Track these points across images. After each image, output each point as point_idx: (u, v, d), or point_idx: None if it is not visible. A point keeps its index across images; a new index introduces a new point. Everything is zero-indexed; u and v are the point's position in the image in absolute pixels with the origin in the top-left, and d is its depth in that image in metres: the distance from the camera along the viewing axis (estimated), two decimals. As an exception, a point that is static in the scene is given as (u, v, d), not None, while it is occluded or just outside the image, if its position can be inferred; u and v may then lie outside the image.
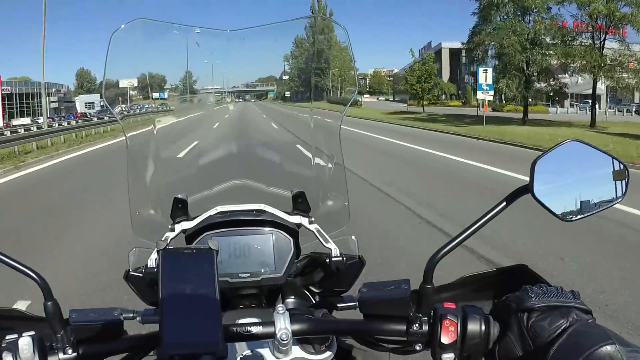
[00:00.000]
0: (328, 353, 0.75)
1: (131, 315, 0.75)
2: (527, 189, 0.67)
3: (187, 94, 1.29)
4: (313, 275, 0.90)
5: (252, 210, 0.85)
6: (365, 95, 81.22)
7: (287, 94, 1.68)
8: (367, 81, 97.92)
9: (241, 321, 0.74)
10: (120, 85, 1.15)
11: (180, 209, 0.87)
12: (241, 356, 0.73)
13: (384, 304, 0.69)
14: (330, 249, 0.85)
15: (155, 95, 1.22)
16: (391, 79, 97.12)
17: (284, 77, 1.51)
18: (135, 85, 1.22)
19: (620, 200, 0.71)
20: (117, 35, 0.87)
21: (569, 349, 0.55)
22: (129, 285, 0.85)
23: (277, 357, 0.72)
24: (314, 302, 0.88)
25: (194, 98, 1.34)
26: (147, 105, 1.21)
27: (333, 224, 0.92)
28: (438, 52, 67.72)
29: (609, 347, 0.53)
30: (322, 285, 0.89)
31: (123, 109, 1.20)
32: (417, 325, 0.68)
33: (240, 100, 1.65)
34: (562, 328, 0.58)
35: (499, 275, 0.76)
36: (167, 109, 1.24)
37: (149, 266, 0.81)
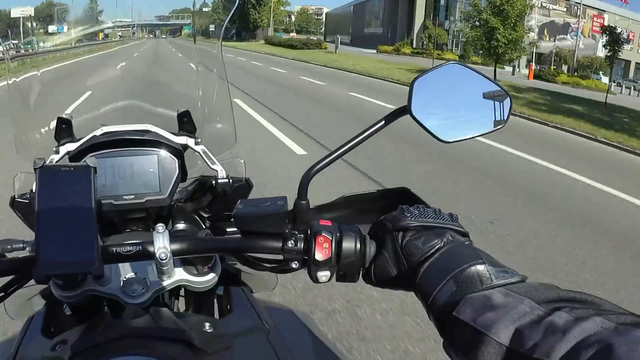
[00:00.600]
0: (211, 275, 0.74)
1: (21, 245, 0.72)
2: (406, 109, 0.67)
3: (90, 29, 1.19)
4: (202, 199, 0.88)
5: (137, 131, 0.82)
6: (292, 34, 76.89)
7: (212, 27, 1.50)
8: (293, 19, 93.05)
9: (120, 242, 0.73)
10: (12, 15, 1.05)
11: (64, 130, 0.83)
12: (124, 279, 0.72)
13: (260, 220, 0.67)
14: (217, 171, 0.84)
15: (53, 28, 1.11)
16: (320, 17, 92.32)
17: (204, 9, 1.41)
18: (32, 15, 1.11)
19: (500, 127, 0.72)
20: None
21: (439, 267, 0.56)
22: (16, 212, 0.81)
23: (159, 280, 0.71)
24: (204, 227, 0.87)
25: (97, 33, 1.24)
26: (42, 44, 1.11)
27: (220, 146, 0.90)
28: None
29: (479, 267, 0.53)
30: (211, 210, 0.88)
31: (13, 45, 1.10)
32: (292, 242, 0.67)
33: (151, 36, 1.55)
34: (435, 248, 0.59)
35: (380, 196, 0.76)
36: (64, 48, 1.14)
37: (34, 191, 0.78)
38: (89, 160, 0.63)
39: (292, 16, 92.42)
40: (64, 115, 0.83)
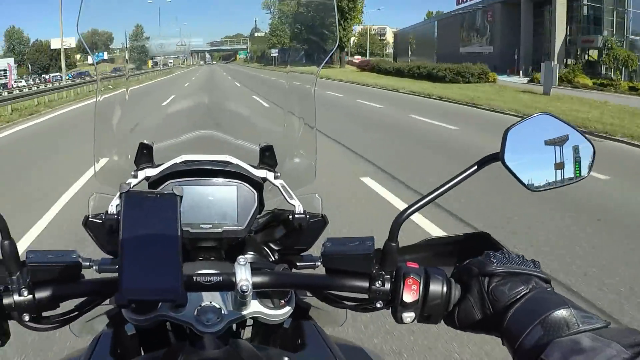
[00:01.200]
0: (287, 308, 0.75)
1: (88, 263, 0.73)
2: (498, 156, 0.68)
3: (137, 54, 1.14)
4: (274, 231, 0.89)
5: (218, 161, 0.84)
6: (356, 57, 64.51)
7: (274, 52, 1.41)
8: (353, 40, 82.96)
9: (201, 271, 0.73)
10: (52, 46, 1.03)
11: (145, 155, 0.85)
12: (199, 307, 0.72)
13: (347, 259, 0.68)
14: (294, 206, 0.85)
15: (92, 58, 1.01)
16: (384, 38, 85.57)
17: (256, 34, 1.36)
18: (72, 46, 1.08)
19: (584, 177, 0.74)
20: None
21: (526, 312, 0.57)
22: (88, 232, 0.82)
23: (235, 310, 0.71)
24: (273, 259, 0.88)
25: (145, 62, 1.21)
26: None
27: (299, 181, 0.91)
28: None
29: (564, 312, 0.55)
30: (282, 243, 0.89)
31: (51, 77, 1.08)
32: (379, 282, 0.68)
33: (202, 63, 1.51)
34: (521, 294, 0.60)
35: (461, 240, 0.77)
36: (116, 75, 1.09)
37: (109, 212, 0.79)
38: (176, 189, 0.64)
39: (353, 37, 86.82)
40: (145, 141, 0.84)
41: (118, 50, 1.14)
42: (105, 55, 1.20)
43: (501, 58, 40.08)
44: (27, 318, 0.64)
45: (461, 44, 50.05)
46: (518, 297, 0.60)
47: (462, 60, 32.90)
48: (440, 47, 54.70)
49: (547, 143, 0.71)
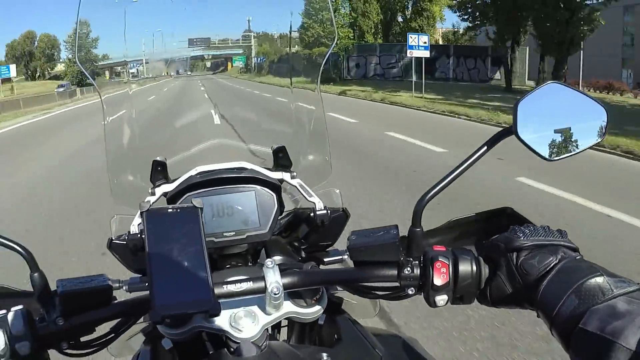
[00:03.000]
0: (320, 305, 0.75)
1: (117, 284, 0.74)
2: (511, 130, 0.68)
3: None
4: (298, 230, 0.90)
5: (233, 168, 0.84)
6: None
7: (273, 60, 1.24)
8: None
9: (230, 279, 0.74)
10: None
11: (159, 172, 0.85)
12: (233, 314, 0.73)
13: (374, 250, 0.69)
14: (314, 203, 0.85)
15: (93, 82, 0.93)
16: None
17: (247, 42, 1.21)
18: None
19: (600, 140, 0.73)
20: None
21: (559, 283, 0.57)
22: (113, 254, 0.83)
23: (268, 313, 0.72)
24: (300, 258, 0.88)
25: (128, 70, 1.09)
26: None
27: (315, 177, 0.92)
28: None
29: (597, 279, 0.55)
30: (307, 240, 0.89)
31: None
32: (408, 269, 0.68)
33: (174, 74, 1.18)
34: (551, 265, 0.60)
35: (485, 217, 0.77)
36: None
37: (131, 232, 0.80)
38: (195, 201, 0.65)
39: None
40: (158, 158, 0.85)
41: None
42: (107, 75, 1.14)
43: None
44: (65, 346, 0.66)
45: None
46: (548, 268, 0.60)
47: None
48: None
49: (558, 111, 0.71)
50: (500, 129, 0.71)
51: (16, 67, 55.61)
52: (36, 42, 69.48)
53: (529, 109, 0.69)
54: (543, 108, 0.70)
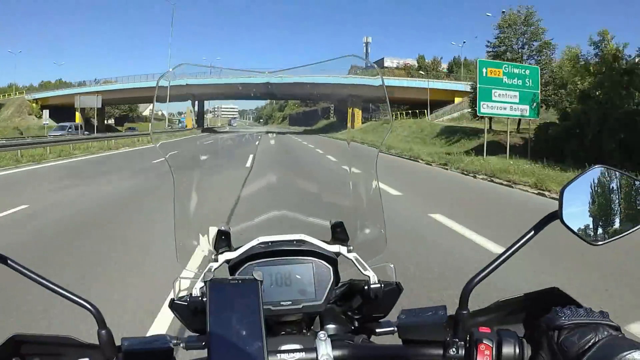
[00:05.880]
0: None
1: (176, 341, 0.80)
2: (556, 215, 0.70)
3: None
4: (352, 301, 0.92)
5: (292, 241, 0.88)
6: None
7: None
8: None
9: (284, 347, 0.78)
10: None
11: (223, 240, 0.91)
12: None
13: (422, 329, 0.72)
14: (369, 276, 0.88)
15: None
16: None
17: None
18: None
19: None
20: (163, 79, 0.93)
21: (599, 359, 0.58)
22: (174, 313, 0.89)
23: None
24: (352, 327, 0.91)
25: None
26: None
27: (371, 251, 0.94)
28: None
29: (635, 354, 0.56)
30: (360, 311, 0.91)
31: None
32: (454, 349, 0.71)
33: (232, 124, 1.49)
34: (591, 342, 0.62)
35: (531, 298, 0.78)
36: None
37: (193, 295, 0.85)
38: (256, 273, 0.69)
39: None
40: (223, 227, 0.91)
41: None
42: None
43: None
44: None
45: None
46: (588, 345, 0.61)
47: None
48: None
49: (604, 194, 0.72)
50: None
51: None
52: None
53: (575, 194, 0.71)
54: (588, 192, 0.72)
